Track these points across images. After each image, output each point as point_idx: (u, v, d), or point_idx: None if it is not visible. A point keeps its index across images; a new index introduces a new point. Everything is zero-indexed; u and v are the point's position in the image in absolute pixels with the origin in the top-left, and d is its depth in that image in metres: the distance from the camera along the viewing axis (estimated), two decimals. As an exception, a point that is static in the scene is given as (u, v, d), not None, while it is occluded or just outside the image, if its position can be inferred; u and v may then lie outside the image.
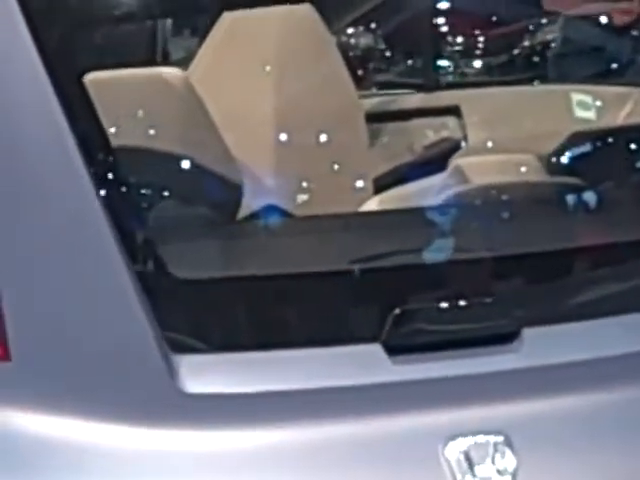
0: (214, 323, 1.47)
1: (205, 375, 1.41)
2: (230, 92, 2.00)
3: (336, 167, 2.02)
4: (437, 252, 1.56)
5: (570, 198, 1.73)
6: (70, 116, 1.38)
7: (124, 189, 1.46)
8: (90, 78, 1.53)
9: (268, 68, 1.98)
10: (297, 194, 1.86)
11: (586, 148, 2.02)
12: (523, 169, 2.00)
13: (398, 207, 1.89)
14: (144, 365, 1.39)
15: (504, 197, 1.81)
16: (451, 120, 2.33)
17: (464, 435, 1.39)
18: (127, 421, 1.35)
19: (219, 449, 1.37)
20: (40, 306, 1.35)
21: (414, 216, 1.72)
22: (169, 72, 1.91)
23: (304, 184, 1.93)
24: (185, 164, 1.74)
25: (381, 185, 2.01)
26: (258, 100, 1.99)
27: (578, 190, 1.76)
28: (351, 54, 2.23)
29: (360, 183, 2.01)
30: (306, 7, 1.91)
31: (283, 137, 1.98)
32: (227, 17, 1.92)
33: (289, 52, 2.01)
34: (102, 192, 1.37)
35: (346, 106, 2.07)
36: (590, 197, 1.70)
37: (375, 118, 2.31)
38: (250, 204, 1.81)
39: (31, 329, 1.34)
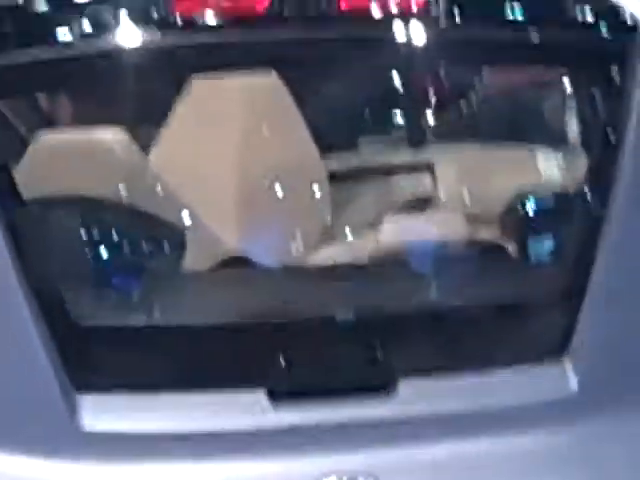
0: (112, 365, 1.62)
1: (102, 414, 1.56)
2: (195, 152, 2.15)
3: (285, 221, 2.15)
4: (323, 309, 1.72)
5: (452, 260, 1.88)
6: None
7: (33, 243, 1.63)
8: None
9: (232, 132, 2.13)
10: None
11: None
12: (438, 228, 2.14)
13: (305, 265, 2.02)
14: (48, 404, 1.54)
15: (400, 257, 1.95)
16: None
17: (339, 476, 1.54)
18: (30, 454, 1.51)
19: None
20: None
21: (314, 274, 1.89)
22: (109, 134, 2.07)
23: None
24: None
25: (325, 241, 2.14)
26: (220, 160, 2.13)
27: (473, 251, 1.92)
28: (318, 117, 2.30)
29: (304, 237, 2.15)
30: (271, 76, 2.05)
31: (239, 194, 2.12)
32: (196, 83, 2.07)
33: (252, 117, 2.14)
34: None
35: (307, 167, 2.19)
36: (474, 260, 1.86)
37: (344, 177, 2.42)
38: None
39: None
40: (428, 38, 1.77)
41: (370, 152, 2.42)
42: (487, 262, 1.99)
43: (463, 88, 2.43)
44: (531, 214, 2.00)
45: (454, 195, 2.26)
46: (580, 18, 1.88)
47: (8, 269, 1.53)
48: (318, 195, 2.14)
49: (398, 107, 2.44)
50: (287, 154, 2.12)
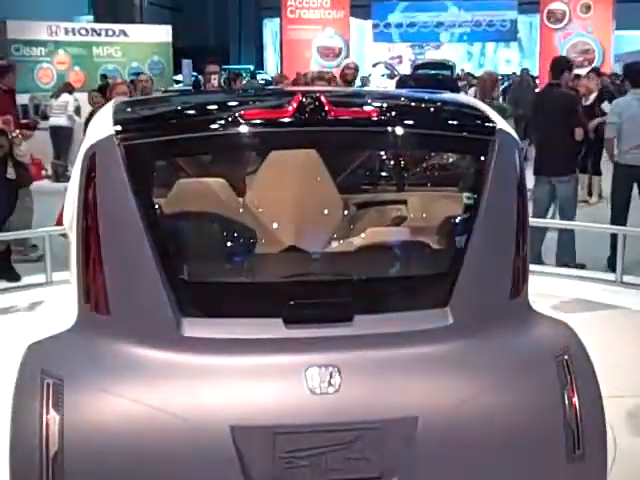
0: (199, 304, 2.87)
1: (194, 328, 2.81)
2: (271, 193, 3.52)
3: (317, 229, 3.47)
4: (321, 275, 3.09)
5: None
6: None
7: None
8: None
9: (291, 180, 3.46)
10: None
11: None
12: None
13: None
14: (166, 321, 2.79)
15: (373, 248, 3.31)
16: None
17: (317, 366, 2.76)
18: (154, 346, 2.79)
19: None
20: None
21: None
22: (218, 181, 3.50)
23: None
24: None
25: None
26: (283, 199, 3.45)
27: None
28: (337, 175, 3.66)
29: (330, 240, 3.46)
30: (312, 152, 3.38)
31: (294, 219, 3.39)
32: (272, 155, 3.43)
33: (302, 173, 3.46)
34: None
35: (331, 200, 3.53)
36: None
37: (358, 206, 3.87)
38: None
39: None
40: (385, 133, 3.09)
41: (371, 194, 3.91)
42: (420, 253, 3.26)
43: (412, 162, 3.88)
44: (446, 228, 3.25)
45: (417, 217, 3.64)
46: (459, 122, 3.21)
47: (150, 255, 2.81)
48: (336, 216, 3.51)
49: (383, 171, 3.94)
50: (320, 194, 3.50)
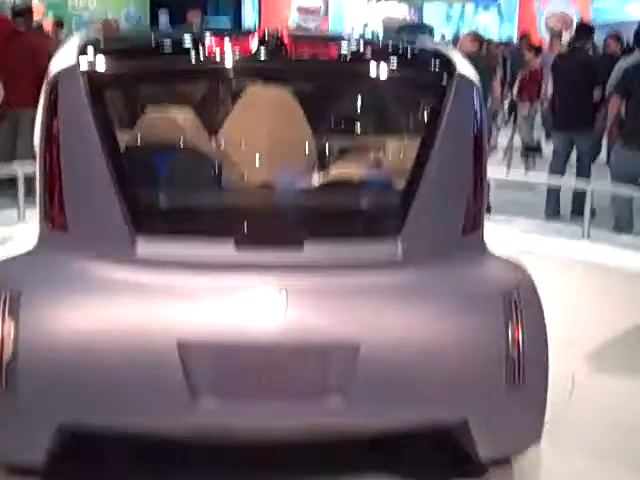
0: (154, 225, 2.97)
1: (148, 247, 2.89)
2: (234, 128, 3.54)
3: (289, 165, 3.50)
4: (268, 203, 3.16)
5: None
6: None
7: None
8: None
9: (264, 114, 3.51)
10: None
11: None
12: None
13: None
14: (122, 239, 2.88)
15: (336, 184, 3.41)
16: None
17: (265, 288, 2.87)
18: (109, 261, 2.90)
19: None
20: None
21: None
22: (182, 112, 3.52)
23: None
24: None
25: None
26: (247, 132, 3.50)
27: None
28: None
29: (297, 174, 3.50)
30: (278, 90, 3.46)
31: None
32: (249, 90, 3.48)
33: (275, 107, 3.52)
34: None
35: (302, 133, 3.57)
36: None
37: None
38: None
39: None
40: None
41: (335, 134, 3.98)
42: (374, 187, 3.37)
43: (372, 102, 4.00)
44: (401, 165, 3.33)
45: (375, 155, 3.74)
46: (419, 62, 3.29)
47: (108, 178, 2.91)
48: (298, 152, 3.58)
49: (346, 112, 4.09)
50: (286, 130, 3.56)
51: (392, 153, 3.57)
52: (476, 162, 3.14)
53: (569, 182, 8.65)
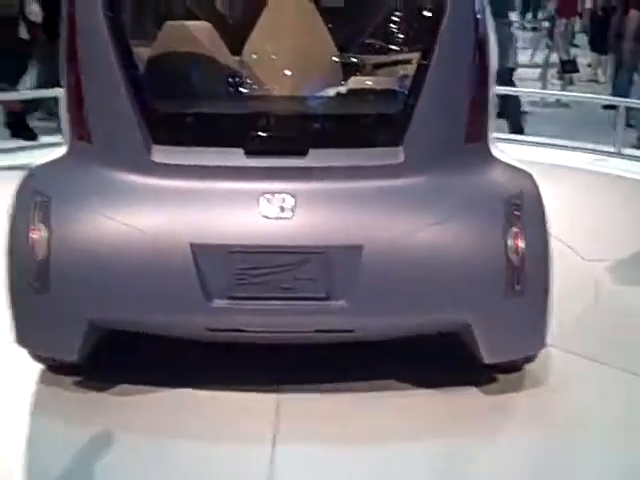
0: (170, 134, 3.19)
1: (163, 154, 3.14)
2: (253, 40, 3.68)
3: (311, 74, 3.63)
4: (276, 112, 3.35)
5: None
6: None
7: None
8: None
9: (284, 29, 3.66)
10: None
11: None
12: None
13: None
14: (140, 147, 3.13)
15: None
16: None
17: (272, 193, 3.08)
18: (129, 171, 3.15)
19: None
20: None
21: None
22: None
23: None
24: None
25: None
26: (273, 46, 3.65)
27: None
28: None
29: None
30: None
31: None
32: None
33: (299, 21, 3.66)
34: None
35: (326, 43, 3.67)
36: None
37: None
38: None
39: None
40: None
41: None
42: (379, 96, 3.56)
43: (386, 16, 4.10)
44: (404, 74, 3.51)
45: (383, 65, 3.85)
46: None
47: (125, 90, 3.13)
48: (311, 64, 3.66)
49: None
50: (302, 42, 3.68)
51: (396, 63, 3.70)
52: (479, 69, 3.20)
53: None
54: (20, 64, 8.13)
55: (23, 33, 7.97)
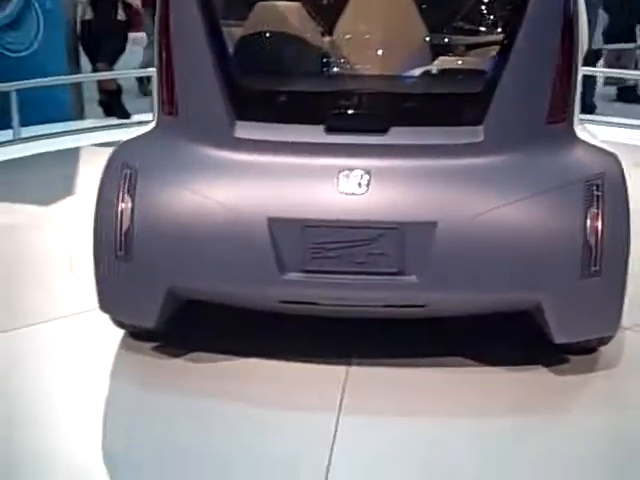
0: (253, 110, 3.29)
1: (246, 130, 3.23)
2: (342, 20, 3.75)
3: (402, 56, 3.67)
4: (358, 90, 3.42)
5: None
6: None
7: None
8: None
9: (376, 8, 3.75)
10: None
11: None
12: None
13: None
14: (224, 125, 3.23)
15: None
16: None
17: (350, 169, 3.15)
18: (215, 147, 3.26)
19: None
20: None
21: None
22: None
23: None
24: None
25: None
26: (353, 24, 3.73)
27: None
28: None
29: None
30: None
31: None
32: None
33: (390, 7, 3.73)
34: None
35: (419, 28, 3.69)
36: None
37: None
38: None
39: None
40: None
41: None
42: (462, 76, 3.60)
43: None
44: (488, 54, 3.50)
45: (467, 46, 3.83)
46: None
47: (211, 67, 3.24)
48: (397, 44, 3.69)
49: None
50: (406, 18, 3.72)
51: (482, 43, 3.70)
52: (566, 52, 3.20)
53: None
54: (118, 45, 8.40)
55: (121, 14, 8.23)
